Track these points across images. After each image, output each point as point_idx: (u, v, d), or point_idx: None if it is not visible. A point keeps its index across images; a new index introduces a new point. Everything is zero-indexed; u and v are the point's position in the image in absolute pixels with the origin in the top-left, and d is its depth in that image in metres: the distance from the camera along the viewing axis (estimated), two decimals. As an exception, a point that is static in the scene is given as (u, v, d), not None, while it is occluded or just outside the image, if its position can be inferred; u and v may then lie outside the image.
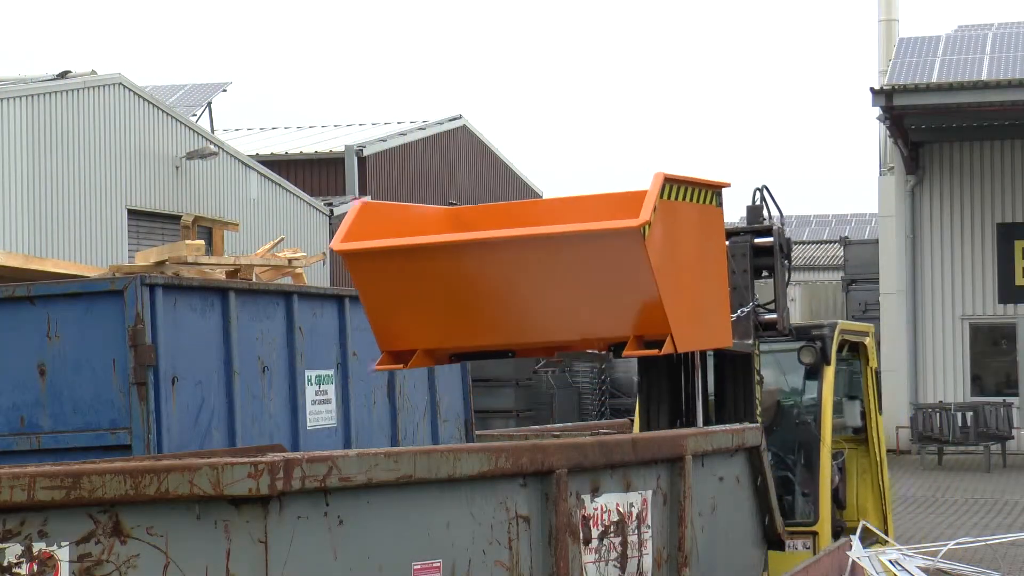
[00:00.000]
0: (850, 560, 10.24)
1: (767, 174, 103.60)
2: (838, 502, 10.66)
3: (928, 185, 27.29)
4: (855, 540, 11.65)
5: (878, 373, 11.59)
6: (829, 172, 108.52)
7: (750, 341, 8.62)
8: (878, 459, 11.27)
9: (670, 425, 7.93)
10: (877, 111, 25.22)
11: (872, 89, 24.64)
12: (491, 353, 7.39)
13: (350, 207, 7.18)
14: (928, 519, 17.57)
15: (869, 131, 68.74)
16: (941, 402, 25.17)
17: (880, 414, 11.41)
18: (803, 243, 48.67)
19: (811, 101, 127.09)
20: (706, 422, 7.93)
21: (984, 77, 24.91)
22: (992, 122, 26.32)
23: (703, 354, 8.11)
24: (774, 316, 8.85)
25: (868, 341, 11.22)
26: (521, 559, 4.94)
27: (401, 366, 7.23)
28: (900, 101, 24.55)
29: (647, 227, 6.36)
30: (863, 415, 11.43)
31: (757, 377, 8.70)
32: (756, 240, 8.87)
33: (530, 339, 7.09)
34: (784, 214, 9.15)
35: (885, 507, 11.41)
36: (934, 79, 25.12)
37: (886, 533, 10.98)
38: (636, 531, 5.71)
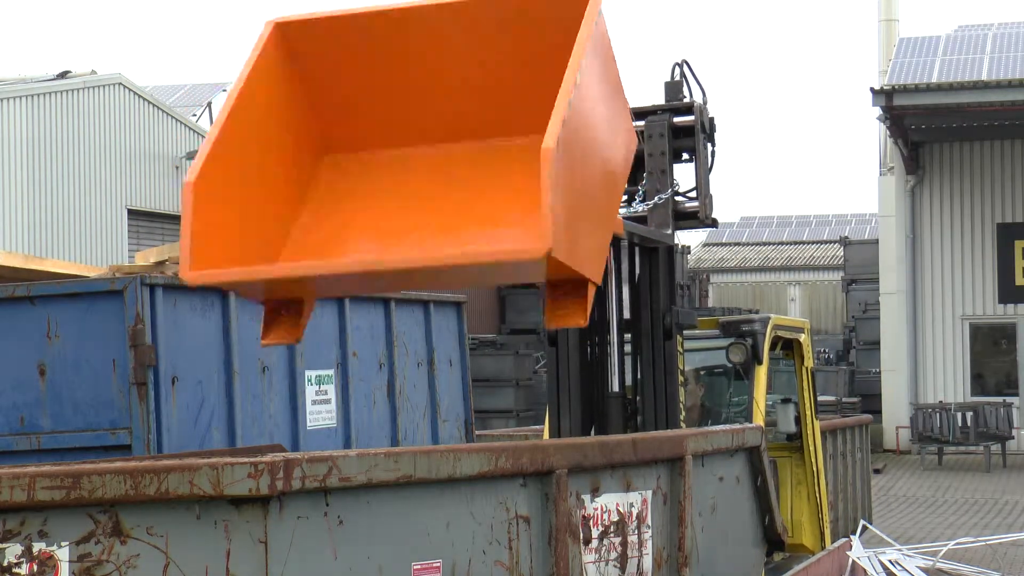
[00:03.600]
0: (850, 560, 10.24)
1: (767, 173, 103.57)
2: None
3: (928, 185, 27.29)
4: (855, 540, 11.64)
5: (814, 373, 10.54)
6: (829, 172, 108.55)
7: (669, 231, 7.73)
8: (814, 469, 10.34)
9: (583, 431, 7.52)
10: (877, 111, 25.22)
11: (872, 89, 24.63)
12: None
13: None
14: (928, 519, 17.58)
15: (869, 131, 68.82)
16: (941, 402, 25.17)
17: (816, 419, 10.44)
18: (803, 243, 48.65)
19: (811, 101, 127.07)
20: (624, 427, 7.60)
21: (984, 77, 24.90)
22: (992, 122, 26.30)
23: (620, 354, 7.50)
24: (696, 204, 7.97)
25: (804, 338, 10.27)
26: (521, 559, 4.94)
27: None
28: (900, 101, 24.54)
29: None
30: (798, 420, 10.35)
31: (681, 378, 7.86)
32: (676, 119, 8.00)
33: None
34: (707, 93, 8.13)
35: (822, 522, 10.45)
36: (934, 79, 25.11)
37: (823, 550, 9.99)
38: (636, 531, 5.71)
